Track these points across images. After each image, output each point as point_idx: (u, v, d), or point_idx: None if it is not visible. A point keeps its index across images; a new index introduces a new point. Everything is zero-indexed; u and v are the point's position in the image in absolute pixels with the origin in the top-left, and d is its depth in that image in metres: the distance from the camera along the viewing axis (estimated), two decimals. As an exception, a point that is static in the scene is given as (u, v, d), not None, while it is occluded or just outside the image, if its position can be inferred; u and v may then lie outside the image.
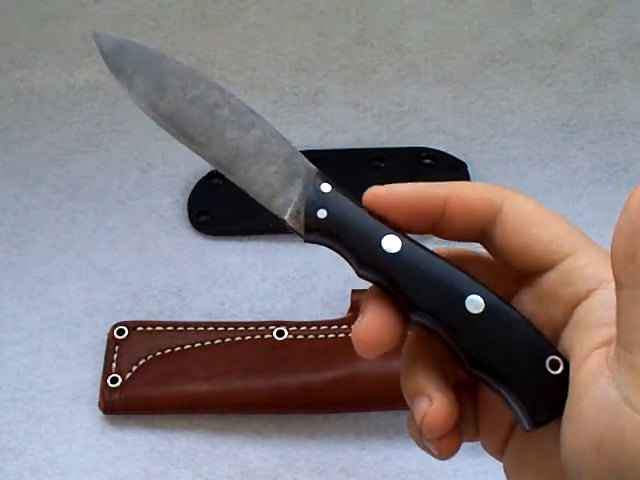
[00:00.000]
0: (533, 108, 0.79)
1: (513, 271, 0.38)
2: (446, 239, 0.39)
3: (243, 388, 0.63)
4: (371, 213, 0.38)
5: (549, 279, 0.36)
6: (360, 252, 0.38)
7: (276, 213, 0.40)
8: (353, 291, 0.66)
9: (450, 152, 0.76)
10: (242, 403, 0.63)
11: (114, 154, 0.77)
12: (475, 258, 0.40)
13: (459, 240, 0.39)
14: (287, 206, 0.40)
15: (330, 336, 0.65)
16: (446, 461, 0.62)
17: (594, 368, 0.32)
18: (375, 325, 0.38)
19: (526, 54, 0.81)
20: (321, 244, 0.40)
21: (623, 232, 0.30)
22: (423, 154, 0.76)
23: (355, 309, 0.66)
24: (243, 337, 0.66)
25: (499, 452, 0.40)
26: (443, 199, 0.37)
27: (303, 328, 0.66)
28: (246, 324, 0.67)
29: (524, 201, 0.38)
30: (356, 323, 0.38)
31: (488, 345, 0.36)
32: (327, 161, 0.74)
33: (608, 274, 0.33)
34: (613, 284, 0.31)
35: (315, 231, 0.39)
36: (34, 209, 0.75)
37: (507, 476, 0.39)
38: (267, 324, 0.66)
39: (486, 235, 0.38)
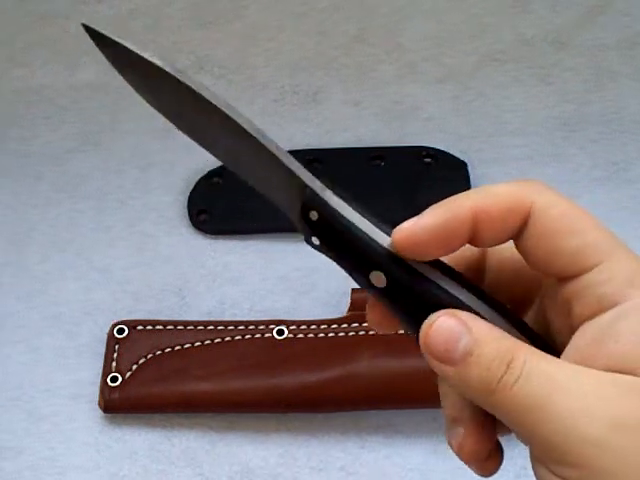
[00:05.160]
0: (533, 107, 0.78)
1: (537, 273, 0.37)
2: (483, 247, 0.38)
3: (243, 387, 0.63)
4: (362, 243, 0.36)
5: (568, 289, 0.35)
6: (357, 281, 0.37)
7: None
8: (353, 290, 0.66)
9: (450, 151, 0.76)
10: (242, 402, 0.63)
11: (113, 153, 0.77)
12: (494, 256, 0.39)
13: (496, 245, 0.37)
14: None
15: (330, 335, 0.65)
16: (446, 459, 0.62)
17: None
18: (473, 445, 0.36)
19: (526, 53, 0.81)
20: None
21: None
22: (423, 153, 0.76)
23: (355, 308, 0.66)
24: (243, 336, 0.66)
25: None
26: (470, 219, 0.35)
27: (303, 327, 0.66)
28: (246, 323, 0.67)
29: (553, 203, 0.36)
30: (454, 442, 0.37)
31: None
32: (327, 160, 0.75)
33: (622, 295, 0.33)
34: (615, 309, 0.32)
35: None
36: (33, 208, 0.74)
37: None
38: (267, 323, 0.66)
39: (518, 234, 0.36)
